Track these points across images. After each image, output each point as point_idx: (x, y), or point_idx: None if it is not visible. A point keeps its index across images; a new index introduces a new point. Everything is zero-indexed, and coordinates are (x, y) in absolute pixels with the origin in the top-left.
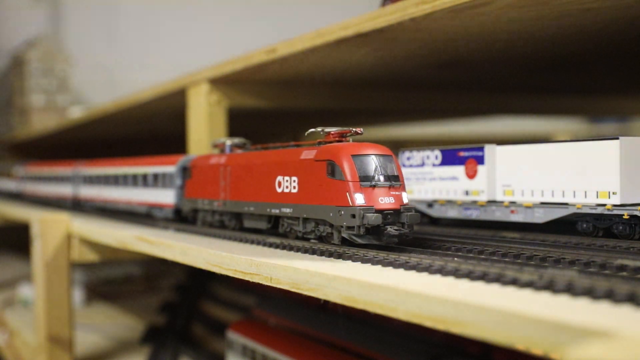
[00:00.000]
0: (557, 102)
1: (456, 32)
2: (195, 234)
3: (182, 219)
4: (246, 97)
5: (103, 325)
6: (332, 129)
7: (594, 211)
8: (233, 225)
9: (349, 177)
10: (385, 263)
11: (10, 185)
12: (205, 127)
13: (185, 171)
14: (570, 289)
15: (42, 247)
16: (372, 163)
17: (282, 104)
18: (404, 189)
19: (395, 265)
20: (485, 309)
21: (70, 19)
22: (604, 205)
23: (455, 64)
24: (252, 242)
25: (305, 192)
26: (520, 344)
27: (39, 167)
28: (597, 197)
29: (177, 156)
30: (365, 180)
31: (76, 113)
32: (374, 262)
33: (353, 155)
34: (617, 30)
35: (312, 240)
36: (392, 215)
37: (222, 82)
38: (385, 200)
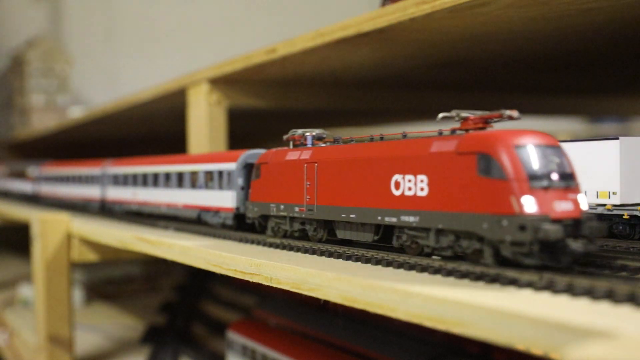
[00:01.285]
0: (557, 102)
1: (456, 32)
2: (195, 234)
3: (245, 226)
4: (246, 97)
5: (103, 325)
6: (473, 113)
7: (593, 211)
8: (320, 236)
9: (512, 175)
10: (385, 263)
11: (24, 186)
12: (205, 127)
13: (249, 169)
14: (570, 289)
15: (42, 247)
16: (542, 156)
17: (282, 104)
18: (580, 191)
19: (395, 265)
20: (485, 309)
21: (70, 19)
22: (604, 205)
23: (455, 64)
24: (252, 242)
25: (439, 195)
26: (520, 344)
27: (57, 167)
28: (597, 197)
29: (237, 151)
30: (535, 179)
31: (76, 113)
32: (373, 262)
33: (516, 147)
34: (617, 30)
35: (445, 261)
36: (572, 226)
37: (222, 82)
38: (563, 207)
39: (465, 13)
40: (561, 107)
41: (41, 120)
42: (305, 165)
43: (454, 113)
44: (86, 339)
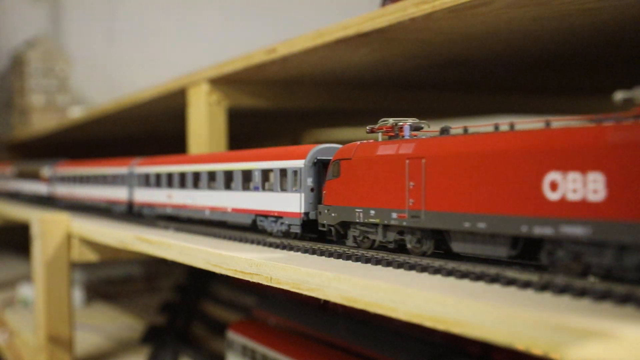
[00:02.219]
0: (557, 102)
1: (456, 32)
2: (195, 234)
3: (315, 234)
4: (246, 97)
5: (103, 325)
6: None
7: None
8: (425, 248)
9: None
10: (385, 263)
11: (38, 187)
12: (205, 127)
13: (320, 167)
14: (570, 289)
15: (42, 247)
16: None
17: (282, 104)
18: None
19: (395, 265)
20: (485, 309)
21: (70, 19)
22: None
23: (455, 64)
24: (252, 242)
25: (623, 198)
26: (520, 344)
27: (76, 166)
28: None
29: (304, 146)
30: None
31: (76, 113)
32: (373, 262)
33: None
34: (617, 30)
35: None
36: None
37: (222, 82)
38: None
39: (465, 13)
40: (561, 107)
41: (41, 120)
42: (408, 161)
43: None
44: (86, 339)
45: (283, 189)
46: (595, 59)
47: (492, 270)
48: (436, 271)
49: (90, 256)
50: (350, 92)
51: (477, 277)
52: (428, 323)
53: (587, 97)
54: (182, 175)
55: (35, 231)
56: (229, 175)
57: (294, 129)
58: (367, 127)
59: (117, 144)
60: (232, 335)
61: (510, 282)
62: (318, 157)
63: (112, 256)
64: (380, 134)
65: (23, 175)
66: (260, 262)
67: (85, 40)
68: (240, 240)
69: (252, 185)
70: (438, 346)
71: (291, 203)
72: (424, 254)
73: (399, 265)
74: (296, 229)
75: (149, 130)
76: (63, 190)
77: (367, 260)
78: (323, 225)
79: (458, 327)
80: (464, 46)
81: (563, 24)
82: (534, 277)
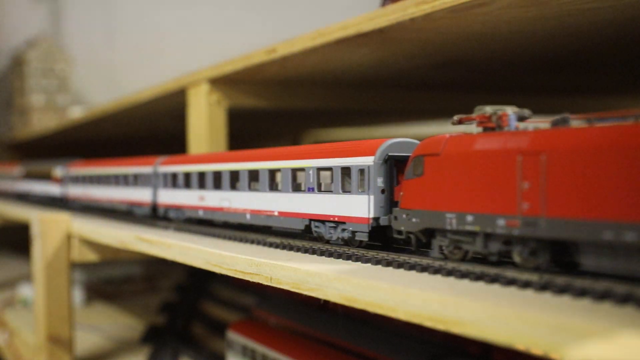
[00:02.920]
0: (557, 102)
1: (456, 32)
2: (195, 234)
3: (384, 242)
4: (246, 97)
5: (103, 325)
6: None
7: None
8: (542, 261)
9: None
10: (385, 263)
11: (50, 189)
12: (205, 127)
13: (392, 164)
14: (570, 289)
15: (42, 247)
16: None
17: (282, 104)
18: None
19: (395, 265)
20: (485, 309)
21: (70, 18)
22: None
23: (455, 64)
24: (252, 241)
25: None
26: (520, 344)
27: (92, 166)
28: None
29: (372, 142)
30: None
31: (76, 113)
32: (373, 262)
33: None
34: (617, 30)
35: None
36: None
37: (222, 82)
38: None
39: (465, 13)
40: (561, 107)
41: (41, 120)
42: (521, 157)
43: None
44: (86, 339)
45: (346, 190)
46: (595, 59)
47: (492, 270)
48: (436, 271)
49: (90, 256)
50: (350, 92)
51: (477, 277)
52: (428, 323)
53: (587, 97)
54: (217, 175)
55: (35, 231)
56: (275, 175)
57: (294, 129)
58: (454, 117)
59: (117, 144)
60: (232, 335)
61: (510, 282)
62: (389, 154)
63: (112, 256)
64: (476, 124)
65: (32, 176)
66: (260, 262)
67: (85, 40)
68: (240, 240)
69: (305, 185)
70: (438, 346)
71: (357, 207)
72: (536, 269)
73: (399, 265)
74: (363, 237)
75: (149, 130)
76: (77, 191)
77: (367, 260)
78: (399, 233)
79: (458, 327)
80: (464, 46)
81: (563, 24)
82: (534, 277)
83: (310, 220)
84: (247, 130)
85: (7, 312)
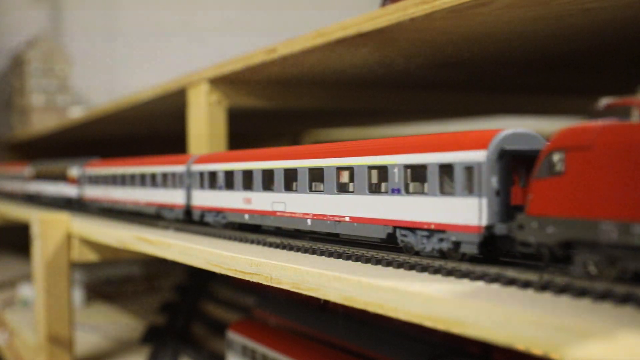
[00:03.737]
0: (557, 102)
1: (456, 32)
2: (194, 234)
3: (497, 255)
4: (246, 97)
5: (103, 325)
6: None
7: None
8: None
9: None
10: (385, 263)
11: (66, 190)
12: (205, 127)
13: (510, 160)
14: (570, 289)
15: (42, 247)
16: None
17: (282, 104)
18: None
19: (395, 265)
20: (485, 309)
21: (70, 19)
22: None
23: (456, 64)
24: (252, 241)
25: None
26: (520, 344)
27: (112, 166)
28: None
29: (482, 132)
30: None
31: (76, 113)
32: (373, 262)
33: None
34: (617, 30)
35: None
36: None
37: (222, 82)
38: None
39: (465, 13)
40: (561, 107)
41: (41, 120)
42: None
43: None
44: (86, 339)
45: (446, 192)
46: (595, 59)
47: (492, 270)
48: (436, 271)
49: (90, 256)
50: (350, 92)
51: (477, 277)
52: (428, 323)
53: (587, 97)
54: (268, 174)
55: (35, 231)
56: (345, 174)
57: (294, 129)
58: (601, 101)
59: (117, 144)
60: (232, 335)
61: (510, 282)
62: (507, 147)
63: (112, 256)
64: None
65: (44, 176)
66: (260, 262)
67: (85, 40)
68: (240, 240)
69: (387, 186)
70: (438, 346)
71: (462, 212)
72: None
73: (399, 265)
74: (470, 249)
75: (149, 130)
76: (96, 193)
77: (367, 260)
78: (526, 245)
79: (458, 327)
80: (464, 46)
81: (563, 24)
82: (534, 277)
83: (395, 228)
84: (247, 130)
85: (7, 312)
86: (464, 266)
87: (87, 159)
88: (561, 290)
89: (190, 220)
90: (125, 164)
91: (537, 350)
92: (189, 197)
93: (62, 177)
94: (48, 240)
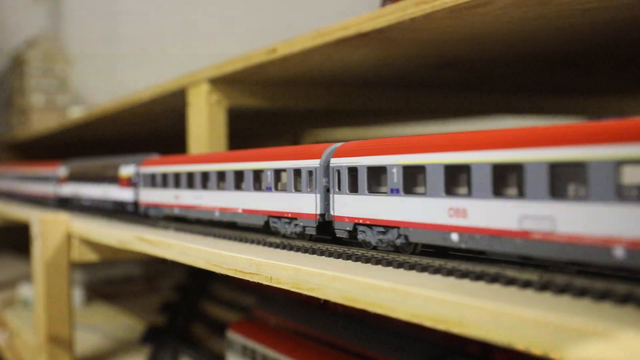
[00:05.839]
0: (557, 102)
1: (456, 32)
2: (195, 234)
3: None
4: (246, 97)
5: (103, 325)
6: None
7: None
8: None
9: None
10: (385, 263)
11: (114, 192)
12: (205, 127)
13: None
14: (570, 289)
15: (42, 247)
16: None
17: (282, 104)
18: None
19: (395, 265)
20: (485, 309)
21: (70, 18)
22: None
23: (455, 64)
24: (252, 241)
25: None
26: (520, 344)
27: (183, 163)
28: None
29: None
30: None
31: (76, 113)
32: (373, 262)
33: None
34: (617, 30)
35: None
36: None
37: (222, 82)
38: None
39: (465, 13)
40: (561, 107)
41: (41, 120)
42: None
43: None
44: (86, 339)
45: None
46: (595, 59)
47: (492, 270)
48: (436, 271)
49: (90, 256)
50: (350, 92)
51: (477, 277)
52: (428, 323)
53: (587, 97)
54: (501, 170)
55: (35, 231)
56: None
57: (294, 129)
58: None
59: (117, 144)
60: (232, 335)
61: (510, 282)
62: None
63: (112, 256)
64: None
65: (83, 177)
66: (260, 262)
67: (85, 40)
68: (240, 239)
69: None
70: (438, 346)
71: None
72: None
73: (399, 265)
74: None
75: (149, 130)
76: (160, 197)
77: (367, 260)
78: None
79: (458, 327)
80: (464, 46)
81: (563, 24)
82: (534, 277)
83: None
84: (247, 130)
85: (7, 312)
86: (464, 266)
87: (143, 155)
88: (561, 290)
89: (332, 237)
90: (204, 160)
91: (537, 350)
92: (326, 203)
93: (109, 178)
94: (48, 240)
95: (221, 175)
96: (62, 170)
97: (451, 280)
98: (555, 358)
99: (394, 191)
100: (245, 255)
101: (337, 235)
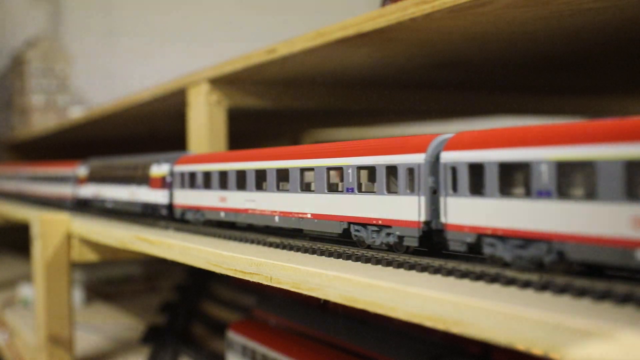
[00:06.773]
0: (557, 102)
1: (456, 32)
2: (195, 234)
3: None
4: (246, 97)
5: (103, 325)
6: None
7: None
8: None
9: None
10: (385, 263)
11: (146, 195)
12: (205, 127)
13: None
14: (570, 289)
15: (42, 247)
16: None
17: (282, 104)
18: None
19: (395, 265)
20: (485, 309)
21: (70, 18)
22: None
23: (456, 64)
24: (252, 241)
25: None
26: (520, 344)
27: (229, 161)
28: None
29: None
30: None
31: (76, 113)
32: (373, 262)
33: None
34: (617, 30)
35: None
36: None
37: (222, 82)
38: None
39: (465, 13)
40: (561, 107)
41: (41, 120)
42: None
43: None
44: (86, 339)
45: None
46: (595, 59)
47: (492, 270)
48: (436, 271)
49: (90, 256)
50: (350, 92)
51: (477, 277)
52: (428, 323)
53: (587, 97)
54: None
55: (35, 231)
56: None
57: (294, 129)
58: None
59: (116, 144)
60: (232, 335)
61: (510, 282)
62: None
63: (112, 256)
64: None
65: (107, 177)
66: (260, 262)
67: (85, 40)
68: (240, 239)
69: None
70: (438, 346)
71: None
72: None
73: (399, 265)
74: None
75: (149, 130)
76: (204, 199)
77: (367, 260)
78: None
79: (458, 327)
80: (464, 46)
81: (563, 24)
82: (534, 277)
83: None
84: (247, 130)
85: (7, 312)
86: (464, 266)
87: (177, 154)
88: (561, 290)
89: (437, 250)
90: (259, 157)
91: (537, 350)
92: (432, 206)
93: (138, 178)
94: (48, 240)
95: (283, 174)
96: (81, 169)
97: (451, 280)
98: (555, 358)
99: (542, 194)
100: (245, 255)
101: (452, 248)
